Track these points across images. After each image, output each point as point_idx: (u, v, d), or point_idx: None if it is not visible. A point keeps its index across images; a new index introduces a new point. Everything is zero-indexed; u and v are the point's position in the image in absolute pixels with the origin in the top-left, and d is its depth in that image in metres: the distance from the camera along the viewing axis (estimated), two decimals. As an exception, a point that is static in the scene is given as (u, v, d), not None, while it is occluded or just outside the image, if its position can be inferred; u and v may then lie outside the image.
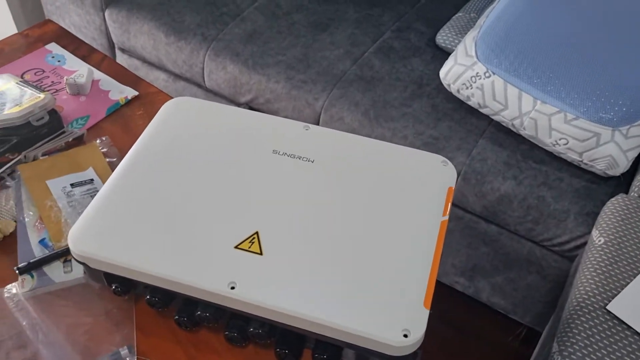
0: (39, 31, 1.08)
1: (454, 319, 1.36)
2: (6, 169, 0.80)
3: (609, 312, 0.78)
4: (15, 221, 0.75)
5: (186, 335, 0.67)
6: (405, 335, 0.56)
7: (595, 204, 1.05)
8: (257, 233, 0.63)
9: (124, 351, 0.64)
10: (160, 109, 0.77)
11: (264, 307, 0.58)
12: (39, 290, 0.69)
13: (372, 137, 1.17)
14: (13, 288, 0.69)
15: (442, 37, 1.30)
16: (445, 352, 1.31)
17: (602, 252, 0.86)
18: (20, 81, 0.87)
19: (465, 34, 1.27)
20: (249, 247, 0.61)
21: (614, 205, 0.95)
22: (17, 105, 0.82)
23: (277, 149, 0.72)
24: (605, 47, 1.03)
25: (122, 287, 0.65)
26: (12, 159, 0.81)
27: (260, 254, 0.61)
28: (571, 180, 1.07)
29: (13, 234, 0.74)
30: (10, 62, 1.00)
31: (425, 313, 0.58)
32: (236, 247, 0.61)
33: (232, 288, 0.58)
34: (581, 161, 1.04)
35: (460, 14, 1.34)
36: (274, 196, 0.66)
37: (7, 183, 0.80)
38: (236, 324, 0.63)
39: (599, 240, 0.89)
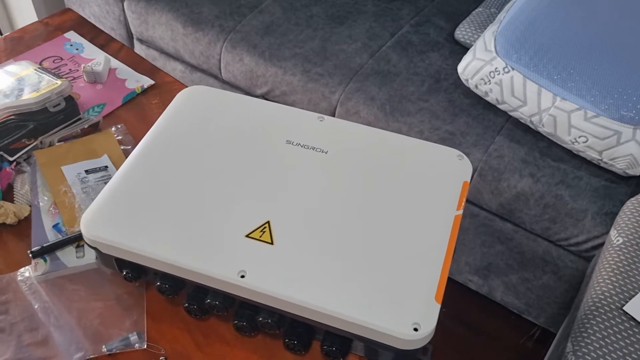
0: (58, 19, 1.09)
1: (467, 318, 1.35)
2: (22, 154, 0.81)
3: (626, 313, 0.76)
4: (30, 206, 0.76)
5: (195, 323, 0.67)
6: (416, 329, 0.55)
7: (614, 204, 1.03)
8: (268, 222, 0.62)
9: (133, 337, 0.64)
10: (175, 98, 0.77)
11: (273, 296, 0.57)
12: (51, 274, 0.69)
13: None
14: (26, 271, 0.70)
15: (462, 32, 1.28)
16: (458, 351, 1.30)
17: (620, 252, 0.85)
18: (39, 68, 0.88)
19: (485, 29, 1.25)
20: (260, 237, 0.61)
21: (634, 205, 0.93)
22: (35, 91, 0.83)
23: (291, 139, 0.71)
24: (628, 44, 1.00)
25: (132, 273, 0.65)
26: (29, 145, 0.82)
27: (271, 243, 0.61)
28: (590, 179, 1.05)
29: (27, 218, 0.75)
30: (30, 50, 1.01)
31: (437, 307, 0.57)
32: (247, 236, 0.61)
33: (242, 277, 0.58)
34: (601, 160, 1.02)
35: (480, 9, 1.33)
36: (287, 186, 0.66)
37: (23, 168, 0.80)
38: (245, 313, 0.62)
39: (617, 240, 0.87)
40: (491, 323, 1.34)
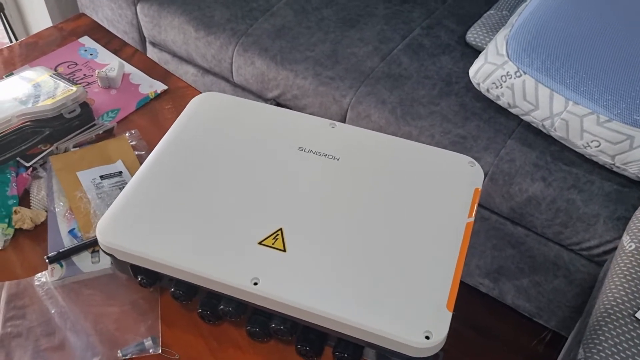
0: (72, 25, 1.10)
1: (477, 321, 1.35)
2: (38, 159, 0.82)
3: (638, 320, 0.76)
4: (46, 211, 0.77)
5: (209, 329, 0.67)
6: (427, 337, 0.55)
7: (626, 208, 1.02)
8: (281, 230, 0.63)
9: (148, 342, 0.65)
10: (188, 104, 0.78)
11: (286, 303, 0.58)
12: (67, 280, 0.70)
13: (398, 135, 1.16)
14: (43, 277, 0.71)
15: (473, 35, 1.28)
16: (468, 354, 1.30)
17: (632, 258, 0.84)
18: (54, 74, 0.89)
19: (496, 31, 1.25)
20: (273, 244, 0.62)
21: (647, 211, 0.92)
22: (51, 97, 0.84)
23: (303, 146, 0.72)
24: (642, 47, 1.00)
25: (147, 279, 0.66)
26: (45, 150, 0.83)
27: (284, 250, 0.61)
28: (602, 183, 1.05)
29: (44, 224, 0.76)
30: (45, 55, 1.02)
31: (448, 315, 0.57)
32: (260, 243, 0.62)
33: (255, 284, 0.59)
34: (613, 164, 1.02)
35: (491, 12, 1.32)
36: (299, 193, 0.67)
37: (39, 174, 0.82)
38: (258, 319, 0.63)
39: (630, 246, 0.87)
40: (502, 326, 1.34)
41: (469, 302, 1.36)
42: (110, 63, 0.99)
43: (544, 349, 1.31)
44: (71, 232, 0.75)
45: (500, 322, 1.35)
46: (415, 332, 0.56)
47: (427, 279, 0.60)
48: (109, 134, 0.89)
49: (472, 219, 0.66)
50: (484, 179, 1.11)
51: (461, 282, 1.33)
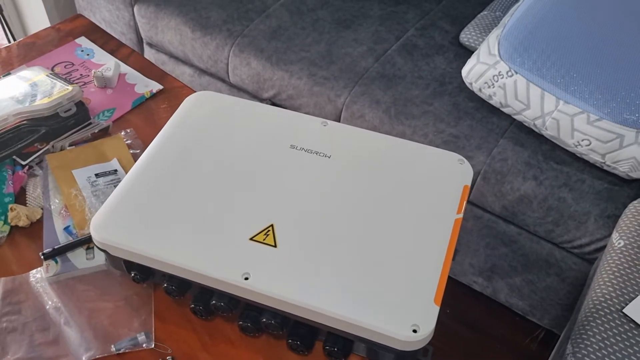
0: (70, 25, 1.11)
1: (470, 319, 1.36)
2: (35, 158, 0.83)
3: (626, 316, 0.77)
4: (41, 208, 0.78)
5: (201, 324, 0.68)
6: (415, 331, 0.57)
7: (616, 207, 1.03)
8: (272, 226, 0.64)
9: (141, 337, 0.66)
10: (182, 103, 0.79)
11: (276, 298, 0.59)
12: (62, 276, 0.71)
13: (392, 134, 1.17)
14: (38, 273, 0.72)
15: (466, 36, 1.29)
16: (461, 352, 1.31)
17: (621, 255, 0.86)
18: (51, 73, 0.90)
19: (490, 32, 1.26)
20: (264, 240, 0.63)
21: (636, 208, 0.93)
22: (47, 96, 0.85)
23: (295, 144, 0.73)
24: (631, 47, 1.01)
25: (141, 275, 0.67)
26: (41, 149, 0.84)
27: (275, 246, 0.62)
28: (593, 182, 1.06)
29: (39, 221, 0.77)
30: (42, 55, 1.03)
31: (436, 309, 0.58)
32: (251, 239, 0.63)
33: (246, 279, 0.60)
34: (604, 163, 1.03)
35: (485, 12, 1.34)
36: (290, 190, 0.68)
37: (35, 172, 0.83)
38: (250, 314, 0.64)
39: (619, 243, 0.88)
40: (495, 324, 1.35)
41: (463, 300, 1.37)
42: (107, 63, 1.01)
43: (537, 347, 1.32)
44: (66, 229, 0.76)
45: (494, 320, 1.36)
46: (402, 326, 0.57)
47: (415, 274, 0.61)
48: (104, 132, 0.90)
49: (460, 215, 0.67)
50: (477, 177, 1.12)
51: (455, 281, 1.34)
